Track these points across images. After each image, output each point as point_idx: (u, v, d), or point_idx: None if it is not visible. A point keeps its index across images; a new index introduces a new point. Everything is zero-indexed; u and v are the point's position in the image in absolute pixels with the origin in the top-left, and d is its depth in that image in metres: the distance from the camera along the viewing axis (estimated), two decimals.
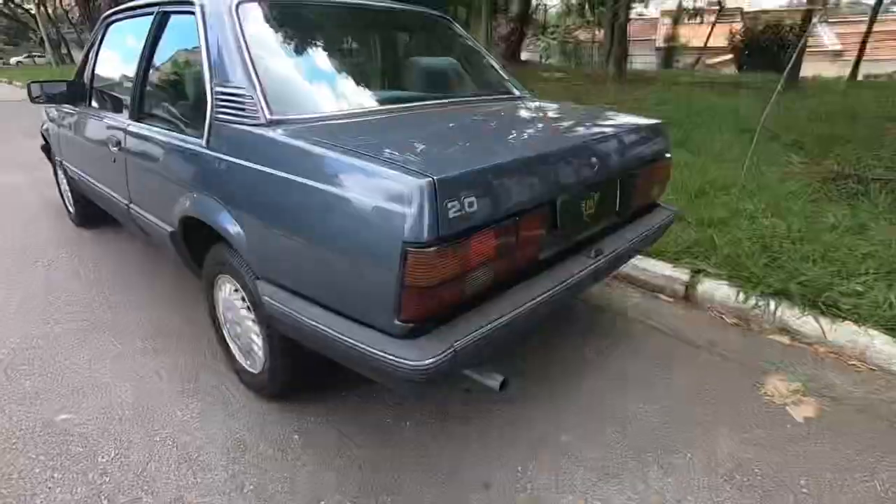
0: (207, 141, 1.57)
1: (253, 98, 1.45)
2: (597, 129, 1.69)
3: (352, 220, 1.14)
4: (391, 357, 1.09)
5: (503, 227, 1.20)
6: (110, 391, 1.87)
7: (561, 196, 1.41)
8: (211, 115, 1.56)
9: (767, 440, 1.65)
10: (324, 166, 1.22)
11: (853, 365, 2.06)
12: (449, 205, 1.06)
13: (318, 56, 1.78)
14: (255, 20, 1.64)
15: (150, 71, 1.98)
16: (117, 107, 2.28)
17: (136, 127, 2.00)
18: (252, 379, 1.79)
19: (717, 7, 17.16)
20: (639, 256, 2.78)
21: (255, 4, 1.68)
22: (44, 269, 2.84)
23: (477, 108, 1.95)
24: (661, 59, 24.49)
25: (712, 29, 19.57)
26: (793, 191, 3.57)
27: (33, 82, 2.56)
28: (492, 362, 2.00)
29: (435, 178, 1.05)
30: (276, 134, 1.36)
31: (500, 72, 2.40)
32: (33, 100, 2.60)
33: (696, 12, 21.47)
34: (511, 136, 1.65)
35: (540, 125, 1.73)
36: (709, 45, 20.31)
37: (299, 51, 1.72)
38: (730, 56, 20.14)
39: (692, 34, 25.64)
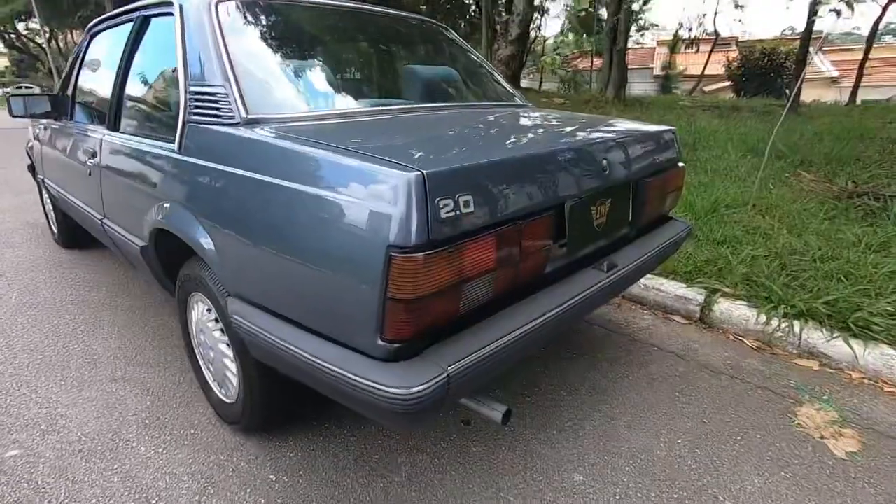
0: (180, 145, 1.43)
1: (228, 96, 1.32)
2: (606, 132, 1.55)
3: (329, 223, 0.99)
4: (371, 384, 0.92)
5: (504, 232, 1.04)
6: (69, 424, 1.68)
7: (569, 201, 1.26)
8: (184, 118, 1.43)
9: (807, 479, 1.45)
10: (299, 164, 1.08)
11: (891, 392, 1.86)
12: (441, 203, 0.91)
13: (301, 56, 1.65)
14: (234, 18, 1.52)
15: (128, 78, 1.87)
16: (95, 118, 2.16)
17: (110, 137, 1.87)
18: (226, 410, 1.60)
19: (714, 37, 17.44)
20: (649, 276, 2.62)
21: (236, 3, 1.57)
22: (16, 294, 2.67)
23: (476, 112, 1.82)
24: (659, 87, 24.80)
25: (709, 57, 19.85)
26: (807, 208, 3.43)
27: (13, 96, 2.45)
28: (491, 390, 1.83)
29: (425, 171, 0.90)
30: (251, 133, 1.22)
31: (501, 80, 2.29)
32: (13, 115, 2.49)
33: (693, 41, 21.85)
34: (513, 137, 1.51)
35: (544, 128, 1.59)
36: (706, 72, 20.57)
37: (280, 50, 1.60)
38: (728, 83, 20.37)
39: (689, 62, 26.06)
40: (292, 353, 1.05)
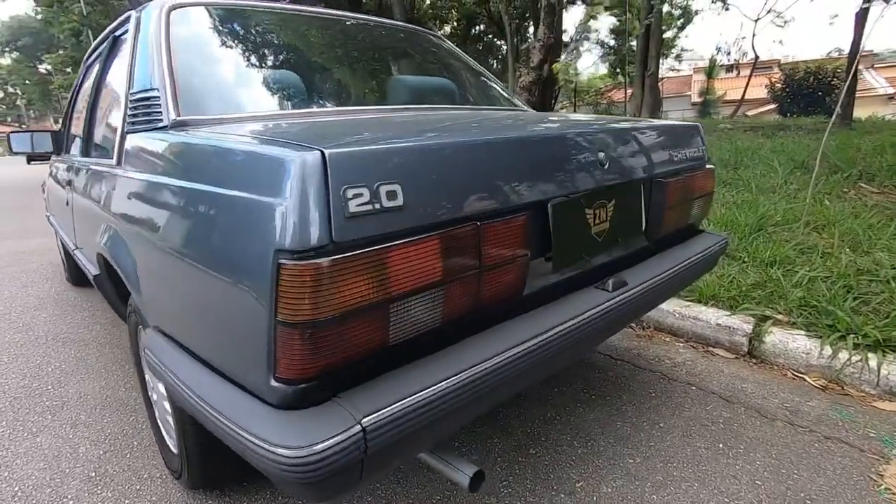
0: (118, 158, 1.28)
1: (160, 99, 1.16)
2: (608, 123, 1.29)
3: (218, 225, 0.78)
4: (254, 440, 0.67)
5: (453, 234, 0.79)
6: (12, 475, 1.50)
7: (553, 200, 1.00)
8: (122, 128, 1.28)
9: None
10: (194, 159, 0.89)
11: None
12: (350, 193, 0.68)
13: (253, 60, 1.49)
14: (185, 24, 1.39)
15: (97, 101, 1.78)
16: (76, 147, 2.10)
17: (79, 162, 1.78)
18: (172, 461, 1.38)
19: (754, 60, 16.88)
20: (684, 302, 2.27)
21: (191, 9, 1.44)
22: (11, 333, 2.60)
23: (453, 112, 1.59)
24: (698, 113, 24.12)
25: (749, 80, 19.19)
26: (873, 223, 2.98)
27: (14, 132, 2.45)
28: (465, 441, 1.50)
29: (326, 150, 0.67)
30: (164, 134, 1.05)
31: (499, 87, 2.08)
32: (13, 152, 2.48)
33: (732, 66, 21.28)
34: (480, 126, 1.25)
35: (529, 121, 1.32)
36: (747, 96, 19.85)
37: (232, 54, 1.45)
38: (772, 106, 19.57)
39: (728, 87, 25.34)
40: (186, 394, 0.82)
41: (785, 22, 12.85)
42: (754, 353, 2.03)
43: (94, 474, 1.49)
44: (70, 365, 2.21)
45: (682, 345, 2.17)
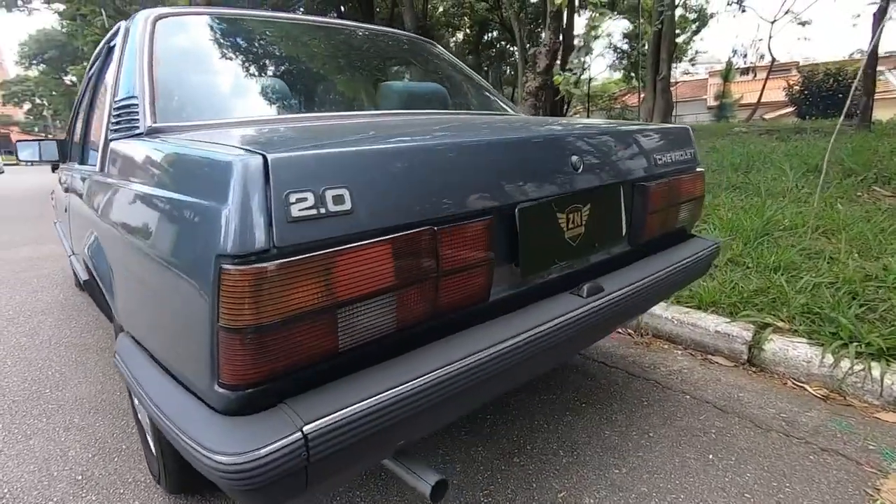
0: (100, 165, 1.30)
1: (139, 106, 1.18)
2: (584, 125, 1.28)
3: (173, 231, 0.78)
4: (195, 445, 0.66)
5: (407, 238, 0.78)
6: (3, 476, 1.52)
7: (521, 203, 0.98)
8: (105, 135, 1.30)
9: None
10: (158, 165, 0.90)
11: None
12: (293, 198, 0.67)
13: (236, 69, 1.50)
14: (170, 33, 1.42)
15: (92, 109, 1.82)
16: (76, 154, 2.14)
17: (75, 170, 1.81)
18: (152, 464, 1.39)
19: (770, 62, 16.60)
20: (685, 309, 2.23)
21: (177, 19, 1.47)
22: (17, 336, 2.66)
23: (436, 117, 1.58)
24: (714, 117, 23.78)
25: (765, 83, 18.87)
26: (885, 228, 2.89)
27: (20, 141, 2.52)
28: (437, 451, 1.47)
29: (268, 155, 0.67)
30: (136, 141, 1.06)
31: (491, 91, 2.08)
32: (20, 160, 2.54)
33: (749, 69, 20.98)
34: (447, 129, 1.24)
35: (506, 126, 1.30)
36: (764, 99, 19.53)
37: (214, 63, 1.47)
38: (790, 109, 19.22)
39: (745, 90, 24.95)
40: (143, 397, 0.82)
41: (803, 23, 12.63)
42: (754, 361, 1.97)
43: (80, 477, 1.51)
44: (70, 369, 2.24)
45: (679, 352, 2.12)
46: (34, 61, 35.46)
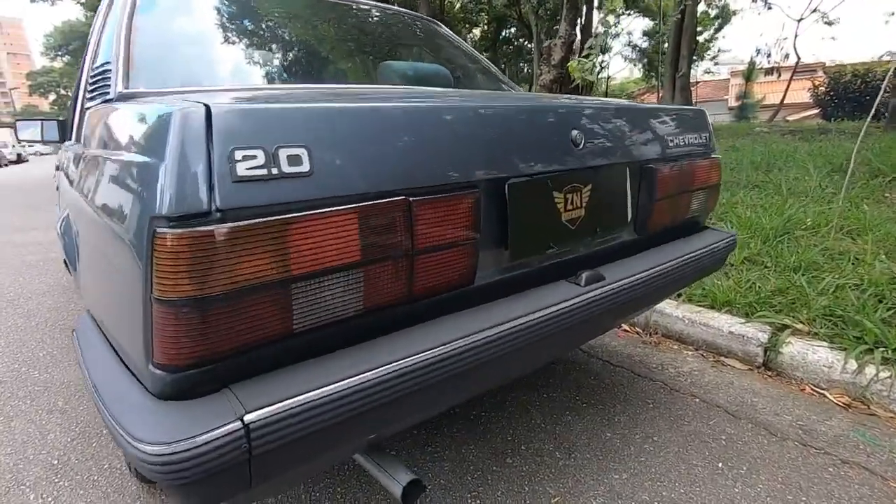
0: (75, 136, 1.24)
1: (112, 71, 1.11)
2: (592, 101, 1.17)
3: (112, 193, 0.71)
4: (122, 432, 0.59)
5: (376, 209, 0.70)
6: None
7: (512, 178, 0.89)
8: (81, 104, 1.24)
9: None
10: (109, 127, 0.83)
11: None
12: (239, 155, 0.59)
13: (215, 36, 1.42)
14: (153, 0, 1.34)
15: (79, 83, 1.76)
16: (68, 131, 2.10)
17: (64, 147, 1.76)
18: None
19: (796, 62, 16.13)
20: (697, 308, 2.11)
21: None
22: (14, 318, 2.64)
23: (423, 88, 1.46)
24: (735, 117, 23.27)
25: (790, 83, 18.38)
26: None
27: (20, 119, 2.48)
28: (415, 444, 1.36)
29: (211, 105, 0.59)
30: (107, 106, 0.99)
31: (498, 76, 1.98)
32: (20, 140, 2.51)
33: (773, 69, 20.47)
34: (431, 96, 1.13)
35: (501, 97, 1.18)
36: (788, 101, 19.02)
37: (193, 30, 1.39)
38: (815, 110, 18.69)
39: (768, 90, 24.37)
40: (87, 377, 0.75)
41: (830, 22, 12.23)
42: (770, 364, 1.85)
43: (56, 462, 1.46)
44: (61, 352, 2.21)
45: (690, 353, 2.00)
46: (59, 52, 36.14)
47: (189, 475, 0.55)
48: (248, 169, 0.59)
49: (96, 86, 1.18)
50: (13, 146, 26.65)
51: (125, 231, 0.64)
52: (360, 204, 0.68)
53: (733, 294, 2.14)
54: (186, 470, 0.55)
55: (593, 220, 1.07)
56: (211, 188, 0.57)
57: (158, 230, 0.57)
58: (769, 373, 1.83)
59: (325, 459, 0.77)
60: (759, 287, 2.19)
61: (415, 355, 0.70)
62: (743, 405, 1.61)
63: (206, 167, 0.57)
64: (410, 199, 0.73)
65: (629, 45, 24.18)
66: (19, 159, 27.11)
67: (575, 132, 0.99)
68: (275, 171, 0.61)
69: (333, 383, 0.64)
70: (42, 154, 33.17)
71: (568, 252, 1.04)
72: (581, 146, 0.99)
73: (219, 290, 0.59)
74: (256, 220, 0.60)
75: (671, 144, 1.25)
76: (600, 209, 1.08)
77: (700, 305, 2.15)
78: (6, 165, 24.64)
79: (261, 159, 0.60)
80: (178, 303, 0.58)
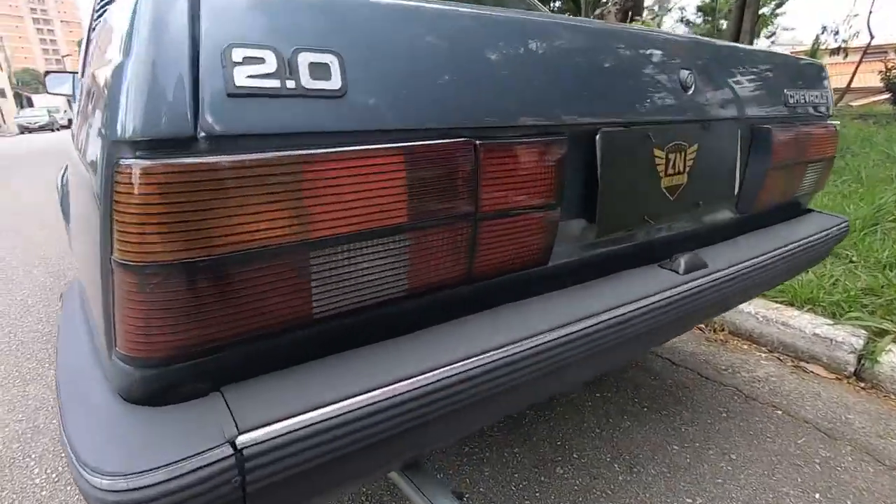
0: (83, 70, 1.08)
1: None
2: (700, 38, 0.93)
3: (83, 116, 0.53)
4: (69, 447, 0.42)
5: (430, 150, 0.50)
6: None
7: (606, 126, 0.67)
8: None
9: None
10: (94, 36, 0.63)
11: None
12: (238, 54, 0.40)
13: None
14: None
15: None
16: None
17: None
18: None
19: (868, 41, 14.83)
20: (773, 304, 1.85)
21: None
22: (44, 277, 2.59)
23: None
24: None
25: (859, 63, 16.99)
26: None
27: (53, 72, 2.38)
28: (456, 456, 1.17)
29: None
30: (100, 19, 0.81)
31: None
32: (50, 92, 2.41)
33: (838, 49, 18.97)
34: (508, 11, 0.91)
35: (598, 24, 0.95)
36: (856, 84, 17.62)
37: None
38: (885, 96, 17.28)
39: (833, 73, 22.69)
40: (57, 360, 0.59)
41: None
42: (863, 374, 1.59)
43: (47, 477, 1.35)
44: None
45: (763, 355, 1.75)
46: None
47: None
48: (250, 77, 0.40)
49: (97, 19, 1.01)
50: (65, 111, 27.57)
51: (88, 165, 0.46)
52: (410, 143, 0.48)
53: (816, 291, 1.87)
54: None
55: (696, 189, 0.84)
56: (196, 102, 0.39)
57: (121, 161, 0.39)
58: (861, 384, 1.57)
59: (347, 488, 0.60)
60: (847, 284, 1.90)
61: (478, 356, 0.51)
62: (837, 422, 1.36)
63: (190, 70, 0.38)
64: (477, 142, 0.53)
65: (681, 20, 22.82)
66: (70, 124, 28.07)
67: (685, 72, 0.75)
68: (291, 84, 0.42)
69: (364, 393, 0.45)
70: None
71: (664, 229, 0.82)
72: (691, 90, 0.76)
73: (202, 254, 0.41)
74: (261, 156, 0.41)
75: (790, 102, 1.00)
76: (706, 177, 0.85)
77: (777, 301, 1.89)
78: (58, 130, 25.66)
79: (271, 65, 0.41)
80: (146, 269, 0.40)
